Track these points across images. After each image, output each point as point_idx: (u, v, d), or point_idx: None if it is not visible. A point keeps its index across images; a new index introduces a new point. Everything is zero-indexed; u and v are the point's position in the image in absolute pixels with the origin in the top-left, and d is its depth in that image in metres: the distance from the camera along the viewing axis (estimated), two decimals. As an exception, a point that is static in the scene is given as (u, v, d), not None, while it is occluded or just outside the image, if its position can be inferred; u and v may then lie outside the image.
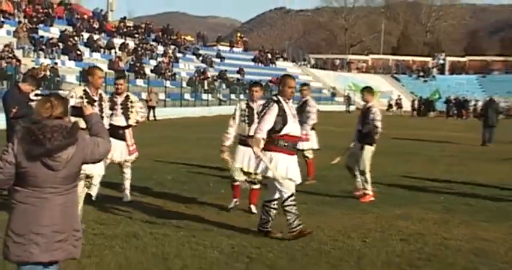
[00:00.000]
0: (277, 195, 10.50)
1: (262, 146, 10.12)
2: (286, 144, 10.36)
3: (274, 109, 10.29)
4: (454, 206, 13.86)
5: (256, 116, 12.50)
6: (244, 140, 12.25)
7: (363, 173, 14.27)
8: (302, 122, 14.73)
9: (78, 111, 6.48)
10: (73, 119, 6.10)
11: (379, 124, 14.32)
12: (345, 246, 10.06)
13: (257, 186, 12.12)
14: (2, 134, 13.32)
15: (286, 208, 10.34)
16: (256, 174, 10.91)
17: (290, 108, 10.68)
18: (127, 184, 13.55)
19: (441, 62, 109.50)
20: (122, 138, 13.21)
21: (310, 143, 16.95)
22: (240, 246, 9.87)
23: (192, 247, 9.44)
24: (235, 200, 12.76)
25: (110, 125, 11.73)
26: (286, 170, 10.22)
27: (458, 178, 15.95)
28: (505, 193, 15.88)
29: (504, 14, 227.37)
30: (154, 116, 44.03)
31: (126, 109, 13.14)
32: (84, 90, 10.91)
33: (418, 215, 12.46)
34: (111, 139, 9.37)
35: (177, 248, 9.36)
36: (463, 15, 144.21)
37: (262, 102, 12.08)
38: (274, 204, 10.58)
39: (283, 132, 10.32)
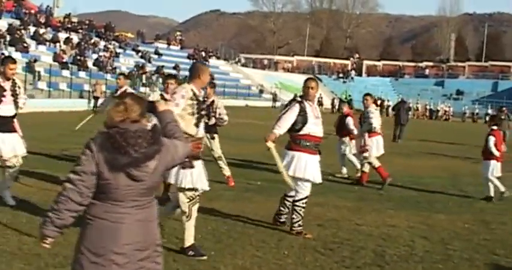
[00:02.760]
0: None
1: (273, 141, 9.87)
2: (308, 143, 10.12)
3: (295, 109, 10.07)
4: (366, 195, 14.05)
5: None
6: None
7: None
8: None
9: (150, 107, 5.24)
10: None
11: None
12: (267, 230, 10.14)
13: None
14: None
15: (296, 208, 10.21)
16: None
17: (314, 109, 10.50)
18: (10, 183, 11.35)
19: (355, 61, 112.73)
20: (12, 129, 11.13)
21: None
22: (170, 229, 9.82)
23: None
24: None
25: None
26: (304, 170, 9.97)
27: (371, 170, 16.10)
28: (408, 184, 16.38)
29: (415, 24, 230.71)
30: (95, 106, 43.65)
31: (16, 96, 10.97)
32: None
33: (334, 203, 12.59)
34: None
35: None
36: (379, 23, 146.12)
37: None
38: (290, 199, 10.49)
39: (303, 131, 10.09)
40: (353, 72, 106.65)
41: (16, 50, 47.60)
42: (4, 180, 11.10)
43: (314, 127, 10.28)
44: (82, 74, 51.39)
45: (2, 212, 10.34)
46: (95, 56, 57.18)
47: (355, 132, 16.70)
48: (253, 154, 19.16)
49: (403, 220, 11.50)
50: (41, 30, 55.02)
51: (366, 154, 16.17)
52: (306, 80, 10.73)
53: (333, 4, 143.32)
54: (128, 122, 4.77)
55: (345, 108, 17.99)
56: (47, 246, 4.72)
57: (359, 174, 16.56)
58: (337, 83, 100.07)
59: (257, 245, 9.35)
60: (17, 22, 53.11)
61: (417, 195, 14.91)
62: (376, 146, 16.49)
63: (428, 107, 79.08)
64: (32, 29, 54.41)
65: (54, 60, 47.55)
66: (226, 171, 14.26)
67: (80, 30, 63.00)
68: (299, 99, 10.37)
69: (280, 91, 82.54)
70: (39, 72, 44.22)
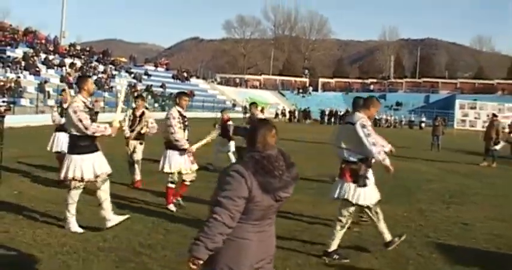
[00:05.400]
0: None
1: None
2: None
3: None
4: (324, 190, 14.08)
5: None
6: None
7: None
8: None
9: (243, 131, 4.73)
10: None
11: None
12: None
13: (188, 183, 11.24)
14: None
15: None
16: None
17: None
18: None
19: (307, 75, 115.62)
20: None
21: None
22: (159, 222, 9.83)
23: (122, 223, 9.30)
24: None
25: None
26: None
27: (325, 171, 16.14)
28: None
29: (361, 48, 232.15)
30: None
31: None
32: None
33: (296, 198, 12.60)
34: None
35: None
36: (332, 47, 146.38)
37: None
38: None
39: None
40: (310, 88, 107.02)
41: (30, 74, 47.36)
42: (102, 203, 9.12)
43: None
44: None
45: (17, 209, 10.30)
46: (94, 77, 56.92)
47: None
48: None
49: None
50: (50, 57, 54.81)
51: None
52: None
53: (293, 31, 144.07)
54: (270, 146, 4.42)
55: (225, 116, 17.96)
56: (195, 267, 4.24)
57: None
58: (298, 97, 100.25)
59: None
60: (30, 50, 52.85)
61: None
62: None
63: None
64: (43, 55, 54.14)
65: (61, 81, 47.21)
66: (138, 175, 13.73)
67: (82, 56, 62.80)
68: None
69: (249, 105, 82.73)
70: (48, 91, 43.92)
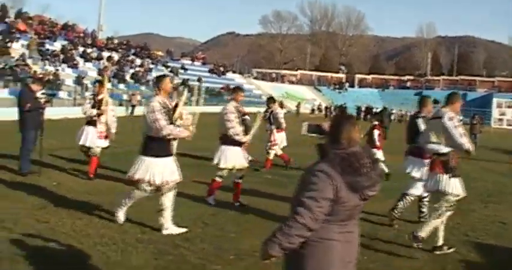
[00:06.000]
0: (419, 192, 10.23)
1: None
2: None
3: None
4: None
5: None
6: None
7: None
8: None
9: (319, 129, 4.61)
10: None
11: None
12: (281, 216, 10.08)
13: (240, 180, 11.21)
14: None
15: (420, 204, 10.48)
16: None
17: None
18: None
19: (344, 71, 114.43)
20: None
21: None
22: (197, 215, 9.87)
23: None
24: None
25: None
26: None
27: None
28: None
29: (398, 44, 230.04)
30: (132, 112, 43.99)
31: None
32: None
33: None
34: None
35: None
36: (368, 43, 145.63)
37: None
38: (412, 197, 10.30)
39: None
40: (347, 84, 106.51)
41: (68, 67, 47.73)
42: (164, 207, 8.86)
43: None
44: (121, 85, 51.47)
45: (56, 200, 10.42)
46: (132, 70, 57.21)
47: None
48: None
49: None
50: (88, 50, 55.19)
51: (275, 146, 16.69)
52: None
53: (330, 27, 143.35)
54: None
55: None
56: (268, 262, 4.17)
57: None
58: (334, 93, 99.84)
59: (272, 228, 9.33)
60: (69, 44, 53.32)
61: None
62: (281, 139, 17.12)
63: (409, 113, 78.61)
64: (81, 49, 54.56)
65: (98, 74, 47.48)
66: None
67: (120, 50, 63.16)
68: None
69: (285, 99, 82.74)
70: (86, 84, 44.29)
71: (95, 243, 7.83)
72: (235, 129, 10.65)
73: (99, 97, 13.45)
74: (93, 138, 13.28)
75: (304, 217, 3.95)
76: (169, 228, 8.73)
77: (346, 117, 4.36)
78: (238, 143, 10.80)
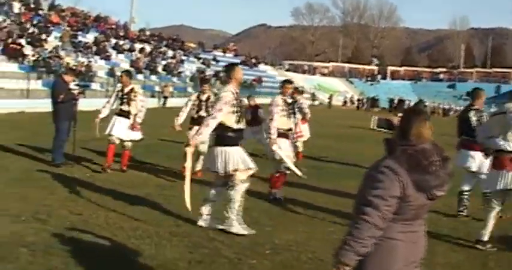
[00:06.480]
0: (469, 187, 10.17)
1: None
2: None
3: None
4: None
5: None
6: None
7: None
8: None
9: (388, 123, 4.07)
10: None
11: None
12: (314, 210, 9.95)
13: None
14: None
15: (461, 197, 10.23)
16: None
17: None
18: None
19: (376, 63, 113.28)
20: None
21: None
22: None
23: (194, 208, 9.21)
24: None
25: None
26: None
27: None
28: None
29: (430, 36, 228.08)
30: (164, 104, 44.21)
31: None
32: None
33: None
34: None
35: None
36: (401, 36, 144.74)
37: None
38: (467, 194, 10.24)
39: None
40: (379, 76, 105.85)
41: (100, 58, 48.05)
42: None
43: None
44: (153, 77, 51.68)
45: (89, 192, 10.39)
46: (163, 62, 57.38)
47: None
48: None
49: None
50: (121, 42, 55.50)
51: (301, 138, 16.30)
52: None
53: (362, 19, 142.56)
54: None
55: (251, 102, 17.19)
56: None
57: None
58: (366, 85, 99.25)
59: (306, 222, 9.23)
60: (101, 36, 53.66)
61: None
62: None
63: (442, 106, 77.86)
64: (113, 41, 54.88)
65: (130, 66, 47.65)
66: (200, 163, 12.55)
67: (152, 42, 63.45)
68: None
69: (317, 91, 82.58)
70: (118, 76, 44.61)
71: (129, 236, 7.74)
72: (273, 122, 10.42)
73: (204, 97, 13.16)
74: (126, 131, 13.07)
75: (373, 216, 3.77)
76: (235, 226, 8.22)
77: (417, 112, 4.15)
78: (286, 135, 10.79)
